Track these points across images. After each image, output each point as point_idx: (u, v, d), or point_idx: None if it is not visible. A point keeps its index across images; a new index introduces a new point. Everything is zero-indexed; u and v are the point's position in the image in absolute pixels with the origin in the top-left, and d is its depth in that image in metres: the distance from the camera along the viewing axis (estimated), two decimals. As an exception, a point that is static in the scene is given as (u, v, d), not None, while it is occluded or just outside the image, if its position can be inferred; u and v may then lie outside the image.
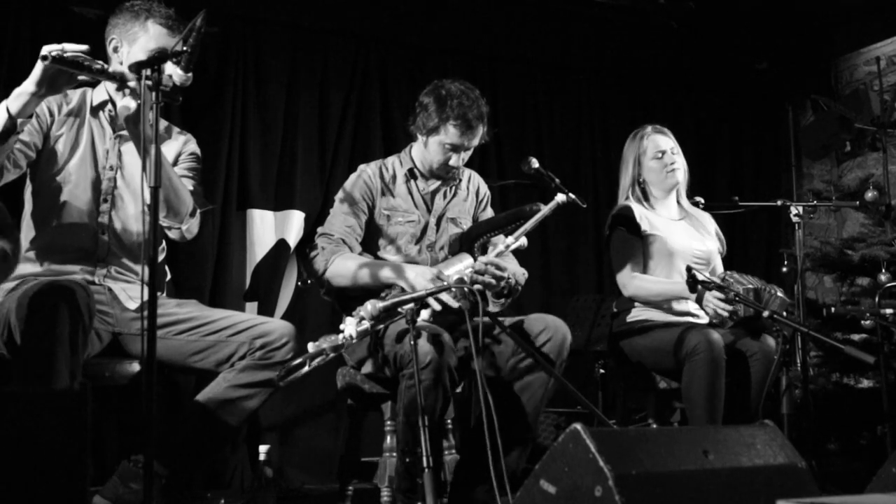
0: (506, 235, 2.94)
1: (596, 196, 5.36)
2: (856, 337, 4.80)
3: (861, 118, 5.03)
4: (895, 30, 5.69)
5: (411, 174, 3.14)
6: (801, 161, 6.24)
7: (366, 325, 2.54)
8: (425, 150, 3.08)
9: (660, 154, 3.53)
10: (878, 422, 4.33)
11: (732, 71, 5.78)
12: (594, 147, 5.49)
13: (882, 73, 5.40)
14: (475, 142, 3.05)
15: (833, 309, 4.66)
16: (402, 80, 4.90)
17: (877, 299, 4.15)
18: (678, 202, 3.64)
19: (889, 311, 3.92)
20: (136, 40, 2.69)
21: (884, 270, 4.47)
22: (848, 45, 5.99)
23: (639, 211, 3.51)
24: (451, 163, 3.06)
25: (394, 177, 3.14)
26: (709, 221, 3.69)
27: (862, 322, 4.46)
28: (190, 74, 2.40)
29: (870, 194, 4.66)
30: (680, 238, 3.50)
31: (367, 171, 3.11)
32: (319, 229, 3.08)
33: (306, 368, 2.49)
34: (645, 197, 3.57)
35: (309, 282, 3.38)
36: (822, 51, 6.05)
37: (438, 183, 3.16)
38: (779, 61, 5.80)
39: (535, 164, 3.05)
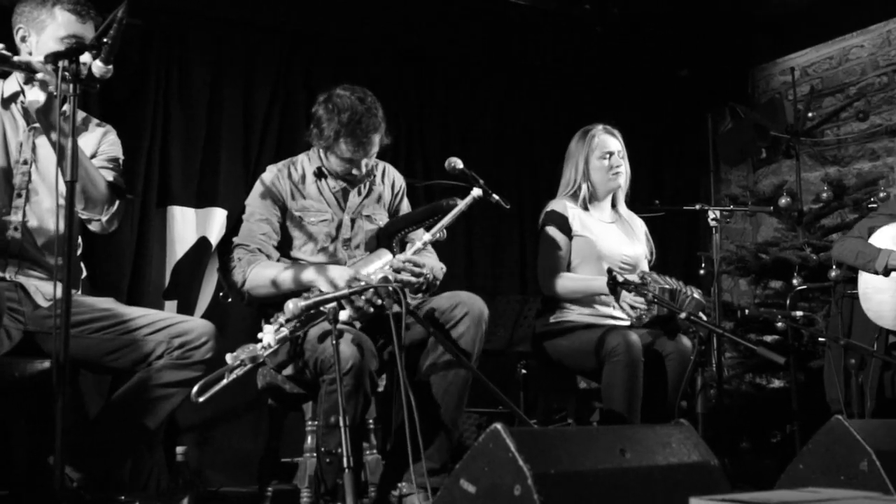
0: (424, 230, 2.94)
1: (520, 197, 5.41)
2: (769, 338, 4.94)
3: (776, 126, 5.18)
4: (809, 42, 5.90)
5: (319, 173, 3.07)
6: (719, 167, 6.40)
7: (284, 331, 2.52)
8: (326, 160, 3.03)
9: (607, 155, 3.56)
10: (788, 421, 4.47)
11: (655, 77, 5.89)
12: (519, 148, 5.54)
13: (796, 83, 5.57)
14: (372, 151, 2.97)
15: (747, 311, 4.79)
16: (330, 77, 4.84)
17: (788, 302, 4.28)
18: (614, 206, 3.68)
19: (800, 313, 4.05)
20: (44, 28, 2.61)
21: (796, 274, 4.60)
22: (765, 55, 6.18)
23: (572, 210, 3.54)
24: (354, 172, 3.01)
25: (303, 176, 3.07)
26: (639, 227, 3.75)
27: (775, 323, 4.60)
28: (110, 67, 2.33)
29: (783, 200, 4.80)
30: (610, 241, 3.54)
31: (276, 172, 3.04)
32: (235, 240, 3.01)
33: (224, 381, 2.45)
34: (584, 196, 3.59)
35: (229, 300, 3.32)
36: (741, 60, 6.22)
37: (346, 183, 3.11)
38: (699, 69, 5.94)
39: (460, 164, 3.04)
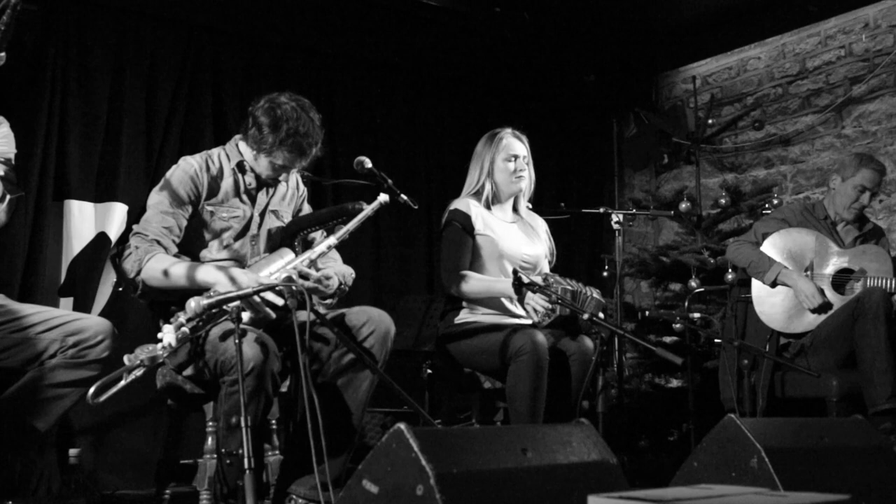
0: (327, 232, 2.91)
1: (428, 198, 5.42)
2: (668, 339, 5.07)
3: (678, 133, 5.33)
4: (710, 52, 6.09)
5: (240, 168, 3.01)
6: (623, 171, 6.55)
7: (185, 331, 2.45)
8: (255, 162, 2.99)
9: (512, 158, 3.60)
10: (685, 419, 4.60)
11: (562, 82, 5.99)
12: (428, 149, 5.56)
13: (697, 91, 5.74)
14: (306, 163, 2.98)
15: (648, 312, 4.91)
16: (237, 73, 4.78)
17: (686, 304, 4.41)
18: (515, 207, 3.73)
19: (697, 315, 4.18)
20: None
21: (694, 277, 4.74)
22: (668, 63, 6.35)
23: (475, 209, 3.56)
24: (281, 178, 3.01)
25: (220, 170, 3.00)
26: (541, 227, 3.80)
27: (673, 325, 4.73)
28: (3, 54, 2.24)
29: (684, 205, 4.94)
30: (511, 241, 3.58)
31: (194, 166, 2.95)
32: (134, 227, 2.90)
33: (123, 382, 2.37)
34: (487, 195, 3.62)
35: (121, 288, 3.21)
36: (645, 68, 6.38)
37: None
38: (606, 75, 6.06)
39: (368, 164, 3.03)
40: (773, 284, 3.94)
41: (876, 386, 3.53)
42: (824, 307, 3.84)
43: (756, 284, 4.01)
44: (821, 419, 3.16)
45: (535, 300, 3.31)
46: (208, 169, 2.98)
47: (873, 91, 5.25)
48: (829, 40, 5.48)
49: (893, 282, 3.75)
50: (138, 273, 2.79)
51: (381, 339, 2.87)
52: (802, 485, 2.01)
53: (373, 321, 2.88)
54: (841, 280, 3.91)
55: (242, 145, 3.04)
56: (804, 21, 5.56)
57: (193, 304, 2.46)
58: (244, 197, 3.02)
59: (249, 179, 3.03)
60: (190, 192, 2.91)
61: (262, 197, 3.06)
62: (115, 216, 4.26)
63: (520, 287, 3.14)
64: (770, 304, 3.96)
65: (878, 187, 4.04)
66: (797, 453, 2.21)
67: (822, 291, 3.87)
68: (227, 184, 3.00)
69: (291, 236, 3.00)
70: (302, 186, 3.25)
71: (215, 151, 3.06)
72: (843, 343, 3.72)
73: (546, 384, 3.17)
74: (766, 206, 4.85)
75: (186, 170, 2.94)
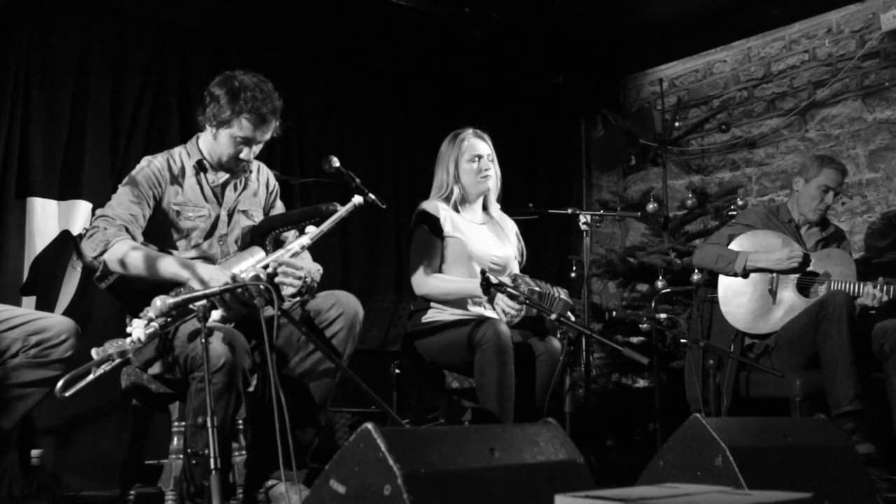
0: (299, 232, 2.90)
1: (397, 198, 5.42)
2: (634, 339, 5.11)
3: (645, 135, 5.35)
4: (677, 55, 6.14)
5: (200, 166, 2.99)
6: (591, 172, 6.58)
7: (154, 326, 2.43)
8: (215, 142, 2.96)
9: (476, 158, 3.60)
10: (651, 419, 4.64)
11: (531, 82, 6.01)
12: (396, 148, 5.55)
13: (664, 94, 5.78)
14: (267, 136, 2.96)
15: (615, 313, 4.94)
16: (204, 71, 4.71)
17: (653, 304, 4.44)
18: (485, 208, 3.73)
19: (663, 315, 4.21)
20: None
21: (661, 277, 4.77)
22: (635, 66, 6.40)
23: (444, 212, 3.56)
24: (242, 156, 2.95)
25: (182, 169, 2.98)
26: (510, 228, 3.80)
27: (640, 325, 4.76)
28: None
29: (650, 206, 4.97)
30: (480, 243, 3.58)
31: (155, 163, 2.93)
32: (98, 211, 2.84)
33: (91, 377, 2.35)
34: (455, 198, 3.62)
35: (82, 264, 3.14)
36: (613, 70, 6.43)
37: (227, 175, 3.04)
38: (574, 77, 6.09)
39: (336, 163, 3.02)
40: (745, 274, 3.96)
41: (839, 387, 3.58)
42: (807, 258, 3.88)
43: (723, 285, 4.05)
44: (785, 419, 3.20)
45: (504, 301, 3.32)
46: (170, 168, 2.95)
47: (836, 95, 5.32)
48: (794, 45, 5.55)
49: (857, 285, 3.80)
50: (102, 253, 2.70)
51: (350, 323, 2.87)
52: (766, 483, 2.04)
53: (340, 304, 2.88)
54: (805, 283, 3.96)
55: (202, 142, 3.02)
56: (769, 25, 5.62)
57: (160, 302, 2.44)
58: (209, 196, 2.99)
59: (213, 177, 3.01)
60: (153, 187, 2.88)
61: (230, 194, 3.04)
62: (80, 214, 4.21)
63: (488, 288, 3.14)
64: (735, 304, 4.00)
65: (840, 187, 4.10)
66: (761, 452, 2.24)
67: (793, 246, 3.91)
68: (190, 183, 2.97)
69: (262, 235, 2.98)
70: (273, 182, 3.23)
71: (177, 150, 3.03)
72: (806, 344, 3.76)
73: (513, 371, 3.18)
74: (732, 207, 4.90)
75: (149, 168, 2.91)
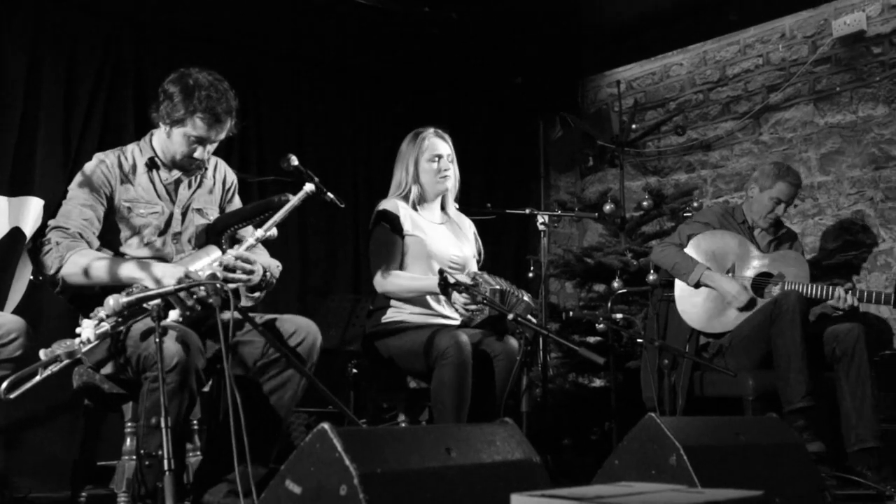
0: (255, 227, 2.87)
1: (356, 197, 5.40)
2: (591, 339, 5.14)
3: (603, 136, 5.39)
4: (634, 58, 6.20)
5: (152, 164, 2.95)
6: (549, 173, 6.62)
7: (105, 326, 2.39)
8: (168, 141, 2.91)
9: (436, 158, 3.60)
10: (607, 418, 4.68)
11: (490, 83, 6.02)
12: (355, 147, 5.53)
13: (621, 95, 5.83)
14: (222, 135, 2.91)
15: (572, 313, 4.97)
16: (160, 68, 4.65)
17: (609, 304, 4.48)
18: (443, 207, 3.73)
19: (619, 315, 4.24)
20: None
21: (617, 278, 4.81)
22: (593, 67, 6.45)
23: (404, 210, 3.56)
24: (196, 155, 2.91)
25: (134, 166, 2.93)
26: (468, 227, 3.81)
27: (597, 325, 4.79)
28: None
29: (608, 207, 5.01)
30: (439, 242, 3.59)
31: (106, 161, 2.88)
32: (51, 222, 2.81)
33: (38, 378, 2.29)
34: (414, 197, 3.62)
35: (41, 278, 3.10)
36: (571, 71, 6.47)
37: (180, 173, 2.99)
38: (533, 78, 6.12)
39: (295, 161, 2.99)
40: (697, 286, 4.03)
41: (791, 385, 3.64)
42: (750, 304, 3.95)
43: (679, 285, 4.10)
44: (737, 417, 3.25)
45: (462, 300, 3.32)
46: (121, 165, 2.91)
47: (789, 99, 5.41)
48: (748, 49, 5.63)
49: (810, 287, 3.87)
50: (59, 269, 2.69)
51: (309, 349, 2.86)
52: (719, 481, 2.06)
53: (301, 330, 2.86)
54: (760, 283, 4.02)
55: (156, 139, 2.98)
56: (725, 30, 5.70)
57: (112, 301, 2.40)
58: (162, 193, 2.95)
59: (166, 175, 2.96)
60: (103, 186, 2.84)
61: (184, 192, 3.00)
62: (31, 210, 4.12)
63: (446, 287, 3.14)
64: (691, 303, 4.05)
65: (792, 199, 4.18)
66: (714, 451, 2.27)
67: (745, 289, 3.98)
68: (142, 180, 2.93)
69: (218, 234, 2.94)
70: (232, 177, 3.19)
71: (129, 147, 2.99)
72: (760, 344, 3.82)
73: (471, 386, 3.18)
74: (687, 209, 4.95)
75: (99, 165, 2.87)
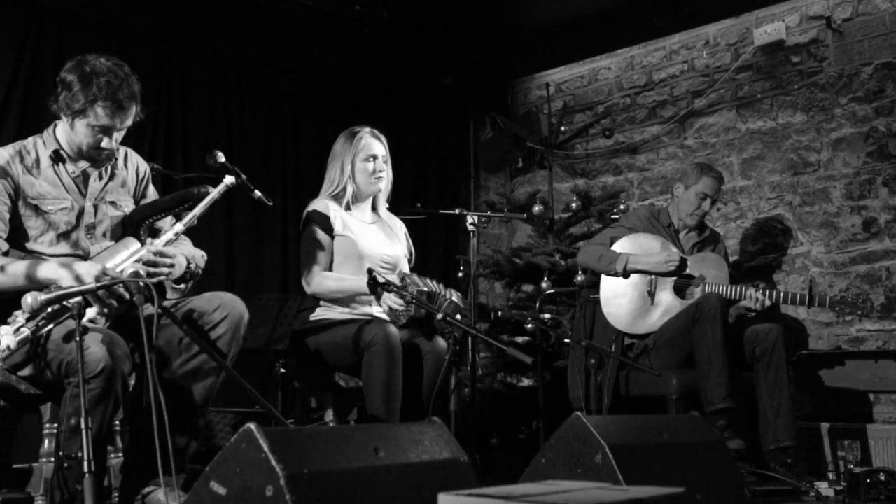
0: (175, 218, 2.80)
1: (284, 195, 5.34)
2: (520, 339, 5.18)
3: (532, 138, 5.44)
4: (563, 61, 6.27)
5: (57, 157, 2.82)
6: (479, 173, 6.63)
7: (26, 332, 2.31)
8: (72, 132, 2.77)
9: (371, 158, 3.58)
10: (535, 417, 4.72)
11: (421, 83, 6.02)
12: (284, 145, 5.47)
13: (551, 98, 5.90)
14: (128, 122, 2.79)
15: (500, 313, 5.00)
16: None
17: (538, 305, 4.52)
18: (374, 207, 3.72)
19: (547, 316, 4.29)
20: None
21: (546, 278, 4.86)
22: (523, 69, 6.51)
23: (334, 211, 3.53)
24: (104, 145, 2.78)
25: (37, 160, 2.79)
26: (399, 228, 3.80)
27: (525, 325, 4.84)
28: None
29: (536, 208, 5.05)
30: (370, 242, 3.57)
31: (6, 157, 2.73)
32: None
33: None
34: (348, 196, 3.59)
35: None
36: (502, 73, 6.51)
37: (87, 164, 2.86)
38: (463, 78, 6.14)
39: (222, 158, 2.92)
40: (626, 274, 4.09)
41: (712, 386, 3.73)
42: (684, 262, 4.03)
43: (604, 286, 4.16)
44: (661, 416, 3.31)
45: (391, 300, 3.32)
46: (22, 159, 2.77)
47: (713, 105, 5.54)
48: (674, 55, 5.75)
49: (733, 288, 3.97)
50: None
51: (234, 326, 2.78)
52: (643, 479, 2.10)
53: (225, 306, 2.78)
54: (682, 285, 4.11)
55: (59, 131, 2.84)
56: (651, 35, 5.81)
57: (31, 299, 2.32)
58: (70, 187, 2.82)
59: (72, 167, 2.84)
60: (6, 185, 2.71)
61: (94, 184, 2.88)
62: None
63: (375, 287, 3.13)
64: (616, 305, 4.12)
65: (717, 194, 4.28)
66: (638, 449, 2.31)
67: (670, 248, 4.07)
68: (47, 174, 2.80)
69: (136, 225, 2.86)
70: (144, 167, 3.07)
71: (31, 140, 2.85)
72: (682, 344, 3.91)
73: (401, 374, 3.17)
74: (615, 211, 5.03)
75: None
